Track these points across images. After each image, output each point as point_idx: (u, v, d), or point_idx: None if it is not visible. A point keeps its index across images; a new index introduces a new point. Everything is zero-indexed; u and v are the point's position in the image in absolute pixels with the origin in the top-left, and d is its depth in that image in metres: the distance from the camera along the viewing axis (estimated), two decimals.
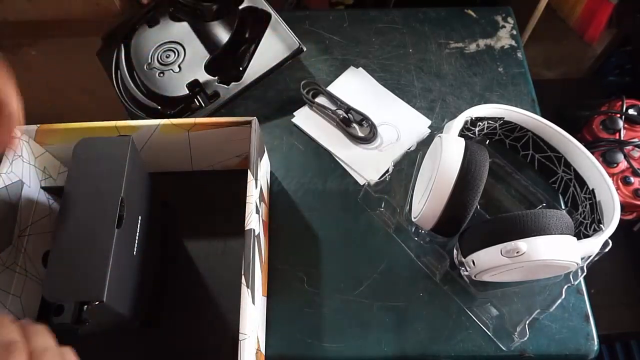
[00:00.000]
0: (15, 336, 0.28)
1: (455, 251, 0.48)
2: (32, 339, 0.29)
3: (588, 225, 0.48)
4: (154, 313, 0.48)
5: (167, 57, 0.63)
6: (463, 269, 0.47)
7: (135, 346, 0.48)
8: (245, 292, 0.38)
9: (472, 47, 0.67)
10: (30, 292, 0.46)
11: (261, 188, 0.48)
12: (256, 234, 0.41)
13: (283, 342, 0.48)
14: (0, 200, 0.42)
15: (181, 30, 0.64)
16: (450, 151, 0.43)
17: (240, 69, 0.62)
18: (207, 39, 0.63)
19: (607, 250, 0.45)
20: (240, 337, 0.36)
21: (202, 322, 0.49)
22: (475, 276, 0.45)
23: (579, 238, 0.42)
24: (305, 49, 0.60)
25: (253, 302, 0.39)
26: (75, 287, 0.36)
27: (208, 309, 0.49)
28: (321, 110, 0.61)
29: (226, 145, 0.50)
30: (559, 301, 0.45)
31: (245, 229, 0.40)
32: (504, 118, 0.52)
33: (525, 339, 0.45)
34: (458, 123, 0.49)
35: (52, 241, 0.37)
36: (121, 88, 0.64)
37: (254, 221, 0.41)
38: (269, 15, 0.61)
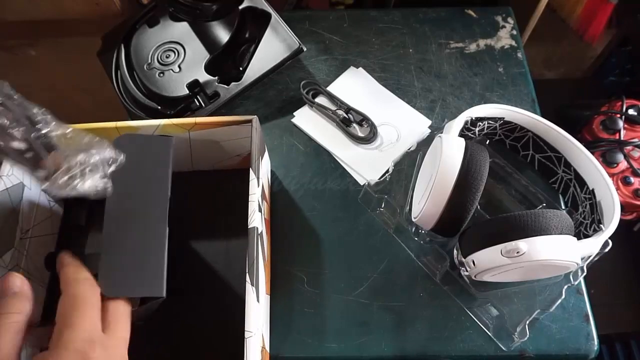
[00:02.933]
0: None
1: (455, 251, 0.48)
2: None
3: (588, 225, 0.48)
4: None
5: (167, 57, 0.63)
6: (463, 269, 0.47)
7: (138, 343, 0.48)
8: (250, 290, 0.38)
9: (472, 47, 0.67)
10: (33, 294, 0.46)
11: (263, 186, 0.48)
12: (259, 232, 0.41)
13: (283, 342, 0.48)
14: (2, 203, 0.42)
15: (181, 30, 0.64)
16: (450, 151, 0.43)
17: (240, 69, 0.62)
18: (207, 39, 0.63)
19: (607, 250, 0.45)
20: (246, 334, 0.36)
21: (206, 321, 0.49)
22: (475, 276, 0.45)
23: (579, 238, 0.42)
24: (305, 49, 0.60)
25: (258, 300, 0.39)
26: (134, 283, 0.36)
27: (212, 309, 0.49)
28: (321, 110, 0.61)
29: (226, 144, 0.50)
30: (559, 301, 0.45)
31: (249, 227, 0.40)
32: (504, 118, 0.52)
33: (525, 339, 0.45)
34: (458, 123, 0.49)
35: (102, 237, 0.37)
36: (121, 88, 0.64)
37: (257, 219, 0.41)
38: (269, 15, 0.61)
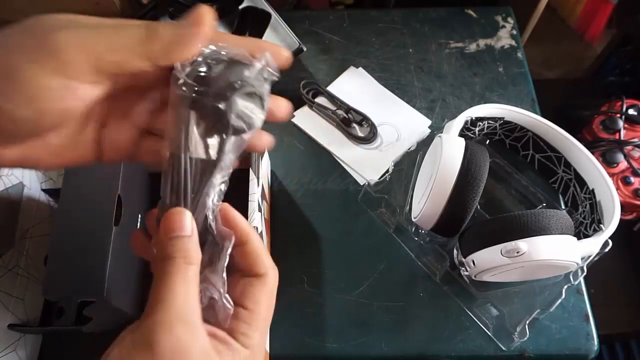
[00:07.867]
0: None
1: (455, 251, 0.48)
2: None
3: (588, 225, 0.48)
4: None
5: None
6: (463, 269, 0.47)
7: None
8: None
9: (472, 47, 0.67)
10: (33, 294, 0.46)
11: (262, 186, 0.48)
12: (259, 232, 0.41)
13: (283, 342, 0.48)
14: (2, 202, 0.42)
15: None
16: (450, 151, 0.43)
17: None
18: None
19: (607, 250, 0.45)
20: None
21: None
22: (475, 276, 0.45)
23: (579, 238, 0.42)
24: (305, 49, 0.60)
25: None
26: (75, 285, 0.36)
27: None
28: (321, 110, 0.61)
29: None
30: (559, 301, 0.45)
31: None
32: (504, 118, 0.52)
33: (525, 339, 0.45)
34: (458, 123, 0.49)
35: (50, 240, 0.38)
36: None
37: (257, 219, 0.41)
38: (269, 15, 0.61)
